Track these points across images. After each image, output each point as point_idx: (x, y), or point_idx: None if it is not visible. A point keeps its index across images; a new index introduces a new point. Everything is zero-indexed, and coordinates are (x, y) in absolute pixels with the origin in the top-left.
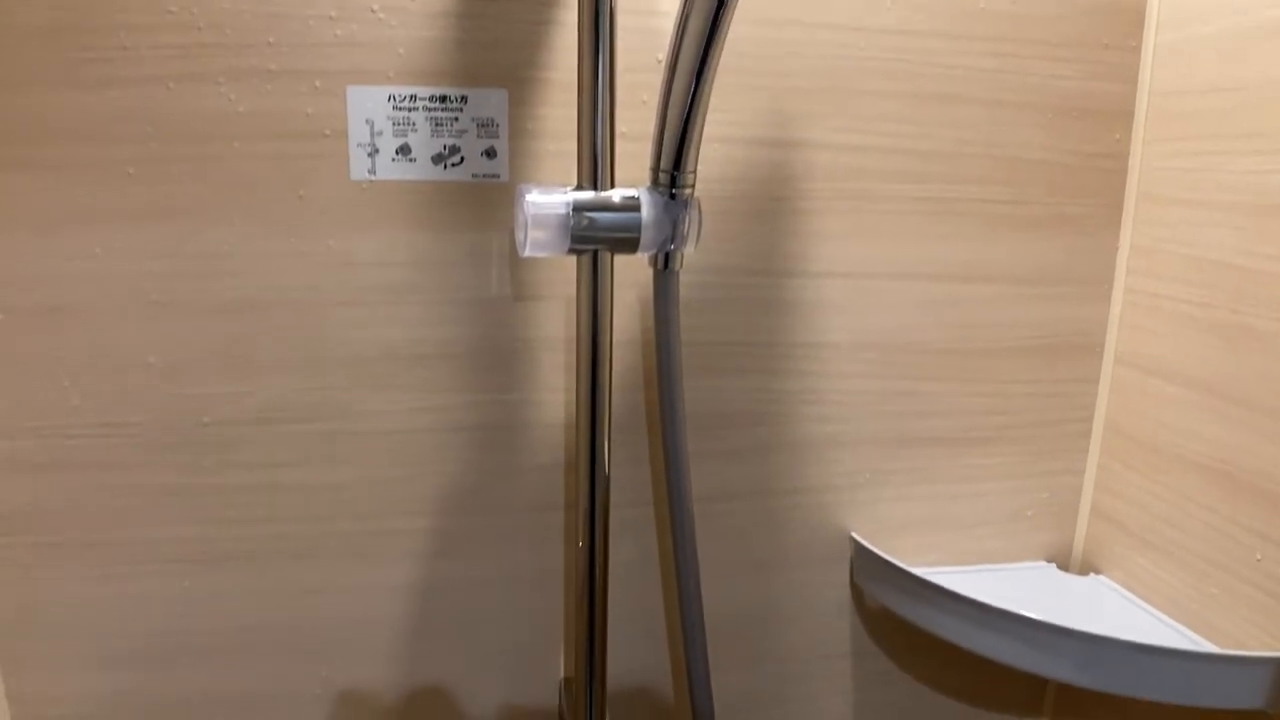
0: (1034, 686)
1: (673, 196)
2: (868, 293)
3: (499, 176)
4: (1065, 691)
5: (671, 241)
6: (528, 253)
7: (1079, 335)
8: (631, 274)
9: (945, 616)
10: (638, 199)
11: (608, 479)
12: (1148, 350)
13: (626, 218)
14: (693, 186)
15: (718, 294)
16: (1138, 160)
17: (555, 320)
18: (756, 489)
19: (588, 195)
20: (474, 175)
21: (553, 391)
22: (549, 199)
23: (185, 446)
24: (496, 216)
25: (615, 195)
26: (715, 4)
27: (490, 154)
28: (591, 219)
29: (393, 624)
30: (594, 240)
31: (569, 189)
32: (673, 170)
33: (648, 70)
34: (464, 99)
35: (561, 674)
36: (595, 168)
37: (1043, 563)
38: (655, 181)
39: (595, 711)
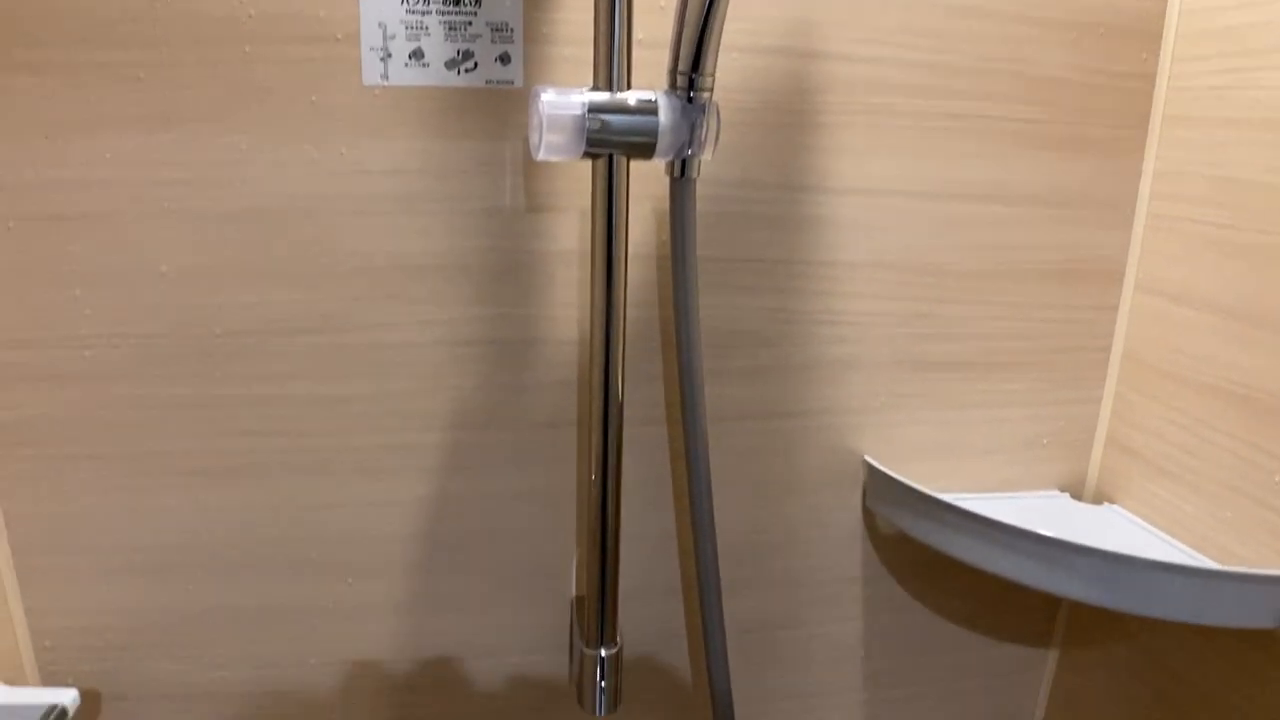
0: (1045, 615)
1: (690, 100)
2: (886, 211)
3: (513, 83)
4: (1076, 620)
5: (689, 147)
6: (541, 156)
7: (1099, 260)
8: (647, 186)
9: (959, 536)
10: (654, 102)
11: (621, 396)
12: (1169, 275)
13: (643, 121)
14: (711, 90)
15: (733, 208)
16: (1164, 80)
17: (569, 233)
18: (770, 410)
19: (603, 96)
20: (488, 81)
21: (565, 307)
22: (564, 99)
23: (197, 358)
24: (510, 124)
25: (631, 98)
26: None
27: (504, 59)
28: (607, 121)
29: (405, 539)
30: (609, 144)
31: (585, 89)
32: (690, 73)
33: None
34: (478, 2)
35: (573, 593)
36: (611, 71)
37: (1056, 492)
38: (673, 85)
39: (606, 631)
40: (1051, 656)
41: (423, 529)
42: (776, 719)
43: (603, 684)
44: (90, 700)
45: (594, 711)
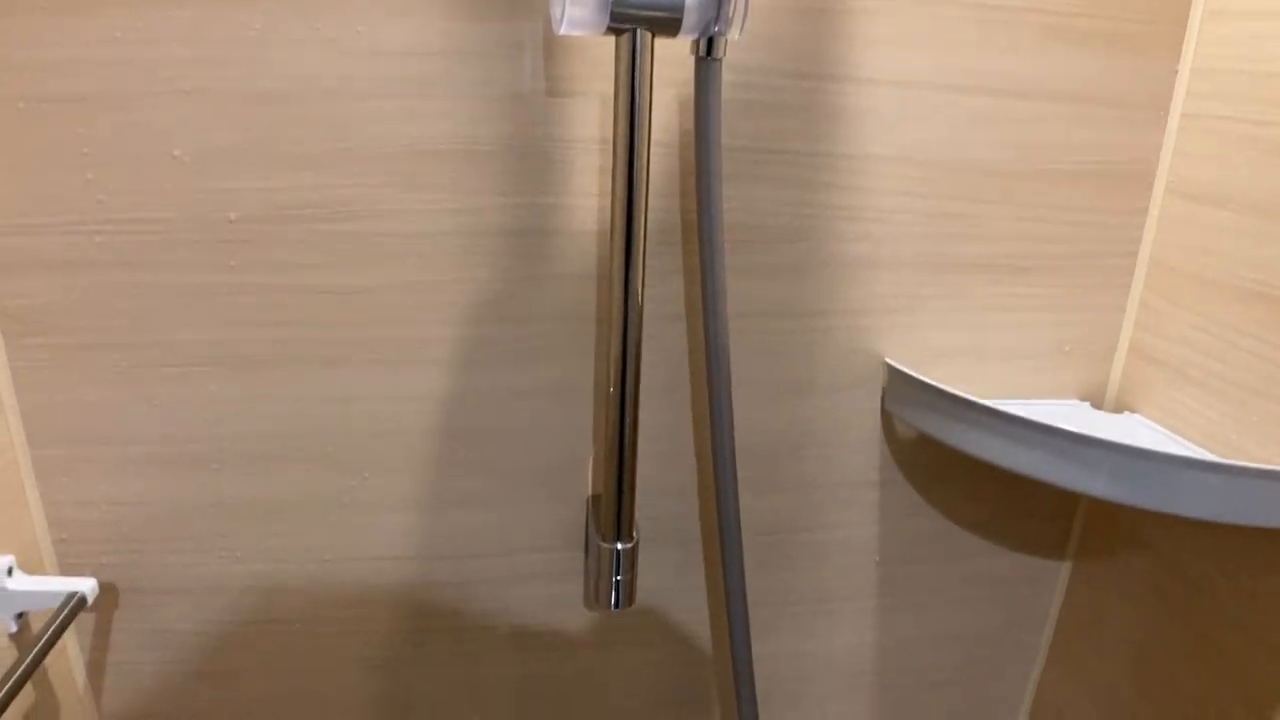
0: (1060, 525)
1: None
2: (915, 103)
3: None
4: (1091, 529)
5: (716, 24)
6: (564, 29)
7: (1131, 163)
8: (670, 72)
9: (981, 434)
10: None
11: (641, 290)
12: (1201, 176)
13: None
14: None
15: (759, 96)
16: None
17: (590, 119)
18: (791, 309)
19: None
20: None
21: (586, 196)
22: None
23: (212, 245)
24: (530, 3)
25: None
26: None
27: None
28: None
29: (420, 434)
30: (634, 19)
31: None
32: None
33: None
34: None
35: (590, 491)
36: None
37: (1076, 401)
38: None
39: (623, 530)
40: (1065, 567)
41: (438, 424)
42: (788, 622)
43: (618, 578)
44: (108, 593)
45: (609, 606)
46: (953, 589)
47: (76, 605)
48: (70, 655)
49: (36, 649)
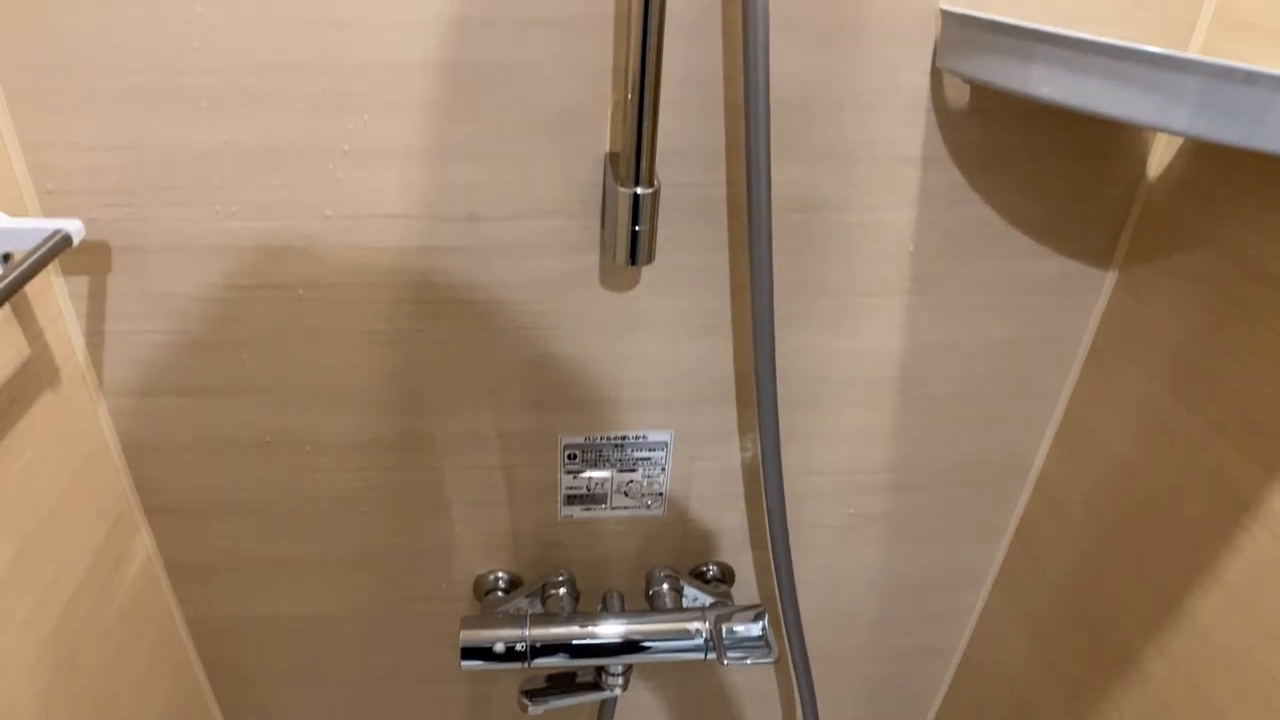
0: (1110, 227)
1: None
2: None
3: None
4: (1145, 229)
5: None
6: None
7: None
8: None
9: (1046, 68)
10: None
11: None
12: None
13: None
14: None
15: None
16: None
17: None
18: None
19: None
20: None
21: None
22: None
23: None
24: None
25: None
26: None
27: None
28: None
29: (423, 68)
30: None
31: None
32: None
33: None
34: None
35: (606, 148)
36: None
37: None
38: None
39: (642, 174)
40: (1111, 276)
41: (441, 56)
42: (812, 314)
43: (637, 228)
44: (101, 253)
45: (628, 260)
46: (987, 292)
47: (61, 242)
48: (67, 324)
49: (18, 272)
